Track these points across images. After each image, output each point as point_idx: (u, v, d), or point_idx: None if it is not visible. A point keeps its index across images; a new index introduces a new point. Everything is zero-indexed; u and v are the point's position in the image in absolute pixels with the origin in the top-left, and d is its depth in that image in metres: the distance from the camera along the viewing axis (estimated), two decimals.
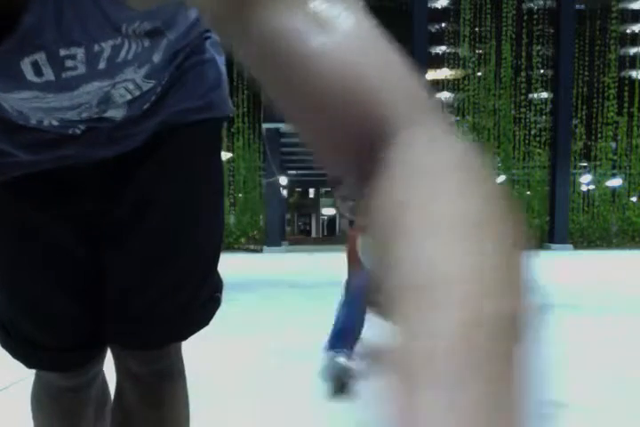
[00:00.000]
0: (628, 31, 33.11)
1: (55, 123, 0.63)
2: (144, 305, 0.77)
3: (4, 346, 0.82)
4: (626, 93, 16.23)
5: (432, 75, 17.02)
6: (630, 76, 20.55)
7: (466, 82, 15.97)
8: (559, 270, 8.08)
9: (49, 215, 0.75)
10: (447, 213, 0.24)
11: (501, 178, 15.85)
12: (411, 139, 0.29)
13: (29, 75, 0.50)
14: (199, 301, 0.80)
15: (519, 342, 0.22)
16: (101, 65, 0.52)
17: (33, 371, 0.89)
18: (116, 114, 0.64)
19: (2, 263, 0.78)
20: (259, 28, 0.31)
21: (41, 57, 0.49)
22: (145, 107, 0.66)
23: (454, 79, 16.36)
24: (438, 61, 18.37)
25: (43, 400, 0.89)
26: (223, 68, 0.74)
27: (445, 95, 17.31)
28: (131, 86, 0.60)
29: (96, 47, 0.50)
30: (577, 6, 16.29)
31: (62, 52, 0.49)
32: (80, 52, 0.50)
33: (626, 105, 16.32)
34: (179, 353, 0.85)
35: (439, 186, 0.25)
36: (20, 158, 0.69)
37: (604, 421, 1.69)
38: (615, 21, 16.54)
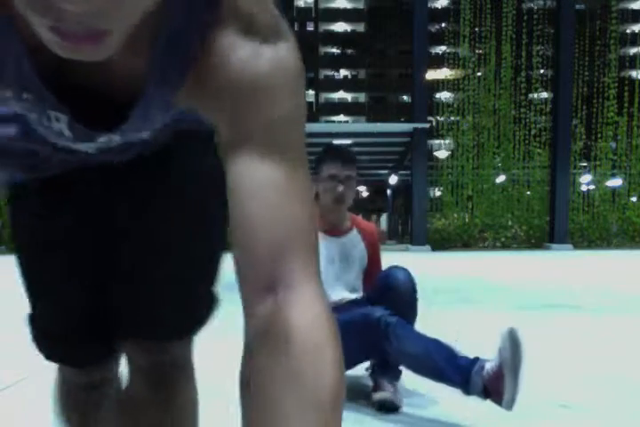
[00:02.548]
0: (628, 31, 33.11)
1: (92, 151, 0.69)
2: (154, 298, 0.81)
3: (32, 339, 0.87)
4: (626, 93, 16.24)
5: (432, 75, 17.01)
6: (630, 76, 20.55)
7: (466, 82, 15.98)
8: (559, 270, 8.09)
9: (64, 216, 0.79)
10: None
11: (501, 178, 15.87)
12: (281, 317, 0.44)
13: (101, 140, 0.59)
14: (204, 297, 0.85)
15: None
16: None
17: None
18: (142, 136, 0.70)
19: (27, 262, 0.84)
20: (229, 166, 0.49)
21: (116, 137, 0.59)
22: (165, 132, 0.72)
23: (454, 79, 16.36)
24: (438, 61, 18.38)
25: (60, 397, 0.95)
26: None
27: (445, 95, 17.31)
28: None
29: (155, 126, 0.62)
30: (577, 6, 16.29)
31: (131, 134, 0.59)
32: (146, 134, 0.62)
33: (626, 105, 16.33)
34: (188, 345, 0.89)
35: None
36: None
37: (604, 421, 1.69)
38: (615, 21, 16.55)
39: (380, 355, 1.84)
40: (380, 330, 1.71)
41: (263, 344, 0.44)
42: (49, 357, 0.87)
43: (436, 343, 1.68)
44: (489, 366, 1.57)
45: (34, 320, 0.85)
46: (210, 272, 0.85)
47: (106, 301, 0.82)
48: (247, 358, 0.45)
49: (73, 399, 0.93)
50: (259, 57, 0.48)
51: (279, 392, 0.42)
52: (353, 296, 2.03)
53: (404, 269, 1.91)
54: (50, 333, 0.84)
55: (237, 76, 0.48)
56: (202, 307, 0.85)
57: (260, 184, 0.48)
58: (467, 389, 1.60)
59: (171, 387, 0.87)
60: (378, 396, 1.82)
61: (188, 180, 0.80)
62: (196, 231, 0.80)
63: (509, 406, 1.52)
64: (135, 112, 0.54)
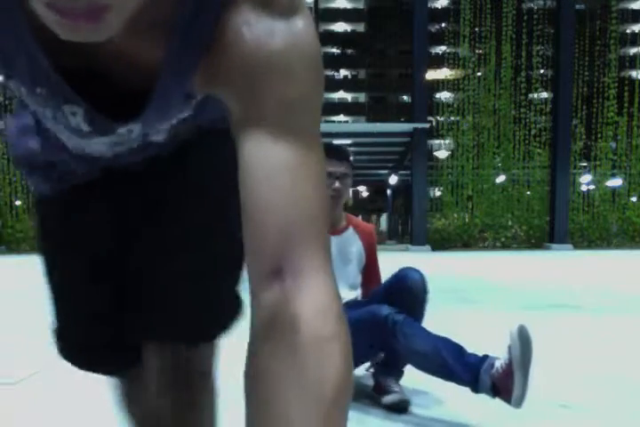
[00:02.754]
0: (628, 31, 33.10)
1: (109, 155, 0.70)
2: (175, 299, 0.79)
3: (59, 352, 0.86)
4: (626, 93, 16.23)
5: (432, 75, 17.01)
6: (630, 76, 20.55)
7: (466, 82, 15.97)
8: (559, 270, 8.09)
9: (90, 219, 0.79)
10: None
11: (501, 178, 15.87)
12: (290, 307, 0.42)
13: (121, 131, 0.59)
14: (226, 299, 0.83)
15: None
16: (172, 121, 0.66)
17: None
18: (158, 138, 0.70)
19: (51, 269, 0.83)
20: (242, 147, 0.47)
21: (138, 126, 0.58)
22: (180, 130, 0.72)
23: (454, 79, 16.35)
24: (438, 61, 18.38)
25: (117, 394, 0.96)
26: None
27: (445, 95, 17.32)
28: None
29: (174, 121, 0.64)
30: (577, 6, 16.28)
31: (150, 124, 0.59)
32: (166, 124, 0.62)
33: (626, 105, 16.32)
34: (212, 351, 0.87)
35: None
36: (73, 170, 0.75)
37: (604, 421, 1.69)
38: (615, 21, 16.54)
39: (387, 353, 1.84)
40: (388, 328, 1.70)
41: (268, 337, 0.42)
42: (79, 366, 0.87)
43: (445, 341, 1.67)
44: (498, 364, 1.55)
45: (58, 333, 0.85)
46: (231, 273, 0.82)
47: (128, 304, 0.81)
48: (252, 351, 0.44)
49: (122, 394, 0.94)
50: (274, 34, 0.46)
51: (280, 388, 0.40)
52: (352, 294, 2.03)
53: (418, 271, 1.91)
54: (75, 343, 0.84)
55: (252, 54, 0.46)
56: (224, 309, 0.83)
57: (272, 166, 0.45)
58: (475, 387, 1.59)
59: (190, 393, 0.85)
60: (390, 398, 1.81)
61: (207, 176, 0.78)
62: (216, 229, 0.78)
63: (518, 404, 1.50)
64: (153, 99, 0.53)
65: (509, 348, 1.53)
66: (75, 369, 0.88)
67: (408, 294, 1.85)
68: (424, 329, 1.73)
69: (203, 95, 0.58)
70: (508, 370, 1.51)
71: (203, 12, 0.47)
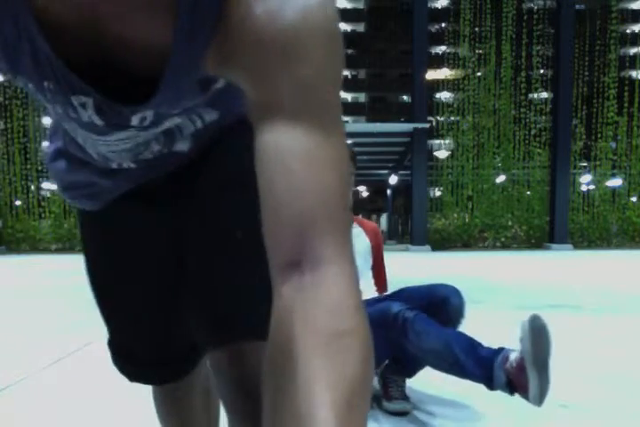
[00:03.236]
0: (628, 31, 33.08)
1: (132, 165, 0.69)
2: (230, 298, 0.77)
3: (113, 363, 0.87)
4: (626, 93, 16.23)
5: (432, 75, 17.00)
6: (630, 76, 20.55)
7: (466, 82, 15.97)
8: (559, 270, 8.08)
9: (135, 232, 0.80)
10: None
11: (501, 178, 15.87)
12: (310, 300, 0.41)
13: (135, 122, 0.58)
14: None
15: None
16: (196, 122, 0.66)
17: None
18: (183, 147, 0.68)
19: (100, 283, 0.84)
20: (258, 132, 0.45)
21: (150, 114, 0.57)
22: (208, 137, 0.71)
23: (454, 79, 16.35)
24: (438, 61, 18.37)
25: (155, 400, 0.97)
26: None
27: (445, 95, 17.31)
28: (195, 118, 0.66)
29: (194, 117, 0.64)
30: (577, 6, 16.28)
31: (165, 113, 0.58)
32: (179, 114, 0.61)
33: (626, 105, 16.32)
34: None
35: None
36: (101, 186, 0.76)
37: (604, 421, 1.69)
38: (615, 21, 16.54)
39: (397, 354, 1.78)
40: (398, 326, 1.61)
41: (286, 331, 0.40)
42: (130, 378, 0.87)
43: (457, 335, 1.58)
44: (513, 357, 1.45)
45: (112, 346, 0.85)
46: None
47: (187, 305, 0.79)
48: (271, 344, 0.41)
49: (163, 401, 0.94)
50: (287, 7, 0.43)
51: (292, 393, 0.38)
52: (360, 285, 2.01)
53: (460, 295, 1.81)
54: (129, 356, 0.84)
55: (265, 30, 0.43)
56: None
57: (289, 151, 0.43)
58: (490, 384, 1.48)
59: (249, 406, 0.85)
60: (393, 407, 1.80)
61: (239, 166, 0.76)
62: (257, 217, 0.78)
63: (537, 402, 1.39)
64: (162, 85, 0.51)
65: (520, 340, 1.44)
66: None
67: (444, 315, 1.75)
68: (436, 325, 1.61)
69: (222, 84, 0.56)
70: (522, 365, 1.41)
71: None
